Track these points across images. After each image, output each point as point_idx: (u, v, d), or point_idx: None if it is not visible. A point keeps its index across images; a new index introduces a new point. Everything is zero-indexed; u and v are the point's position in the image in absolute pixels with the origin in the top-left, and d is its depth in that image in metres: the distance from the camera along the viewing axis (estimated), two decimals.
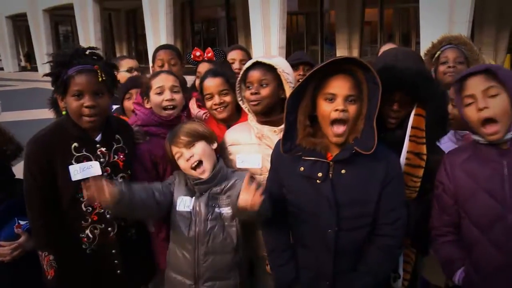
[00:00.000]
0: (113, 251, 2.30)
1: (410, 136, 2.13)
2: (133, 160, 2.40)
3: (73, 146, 2.18)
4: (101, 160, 2.23)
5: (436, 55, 3.11)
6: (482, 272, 1.94)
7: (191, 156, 2.23)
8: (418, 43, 12.53)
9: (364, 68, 1.89)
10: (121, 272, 2.33)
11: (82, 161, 2.18)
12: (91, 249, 2.25)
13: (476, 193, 1.91)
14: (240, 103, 2.52)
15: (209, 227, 2.26)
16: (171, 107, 2.52)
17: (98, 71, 2.13)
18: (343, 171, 1.95)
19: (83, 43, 21.39)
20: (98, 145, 2.24)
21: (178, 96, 2.55)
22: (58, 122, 2.26)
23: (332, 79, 1.89)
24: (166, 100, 2.51)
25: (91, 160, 2.20)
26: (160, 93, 2.53)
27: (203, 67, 3.31)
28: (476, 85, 1.86)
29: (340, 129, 1.90)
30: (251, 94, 2.36)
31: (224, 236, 2.29)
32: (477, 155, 1.95)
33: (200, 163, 2.24)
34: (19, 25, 30.91)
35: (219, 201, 2.29)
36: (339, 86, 1.88)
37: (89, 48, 2.25)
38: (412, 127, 2.13)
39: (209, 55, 3.43)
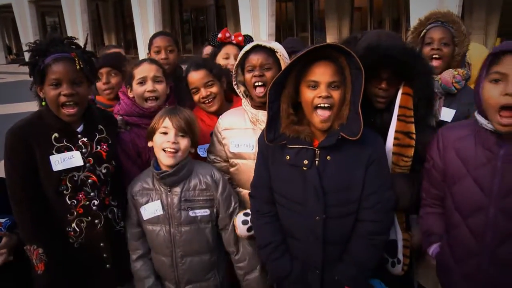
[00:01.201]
0: (101, 244, 2.26)
1: (398, 115, 2.12)
2: (118, 151, 2.37)
3: (53, 136, 2.13)
4: (83, 150, 2.19)
5: (422, 34, 2.79)
6: (456, 254, 1.94)
7: (175, 142, 2.19)
8: (408, 29, 12.49)
9: (346, 54, 1.87)
10: (110, 266, 2.29)
11: (63, 151, 2.13)
12: (79, 243, 2.21)
13: (464, 178, 1.86)
14: (235, 87, 2.48)
15: (183, 230, 2.26)
16: (153, 98, 2.49)
17: (76, 59, 2.08)
18: (328, 157, 1.94)
19: (70, 34, 21.09)
20: (79, 136, 2.20)
21: (160, 87, 2.51)
22: (38, 112, 2.21)
23: (314, 66, 1.88)
24: (148, 91, 2.48)
25: (72, 150, 2.16)
26: (142, 83, 2.49)
27: (231, 50, 3.20)
28: None
29: (325, 113, 1.88)
30: (255, 76, 2.32)
31: (199, 237, 2.29)
32: (475, 136, 1.84)
33: (176, 152, 2.21)
34: (5, 16, 30.44)
35: (194, 203, 2.28)
36: (322, 73, 1.86)
37: (67, 37, 2.20)
38: (400, 107, 2.12)
39: (240, 38, 3.30)
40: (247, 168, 2.40)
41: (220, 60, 3.16)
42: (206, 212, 2.30)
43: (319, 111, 1.88)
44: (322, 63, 1.87)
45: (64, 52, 2.10)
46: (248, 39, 3.36)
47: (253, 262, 2.42)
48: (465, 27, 2.74)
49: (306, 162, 1.94)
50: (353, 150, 1.93)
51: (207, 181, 2.30)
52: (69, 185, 2.15)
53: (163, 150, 2.21)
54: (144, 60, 2.63)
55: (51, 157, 2.10)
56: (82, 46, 2.22)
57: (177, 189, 2.27)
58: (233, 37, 3.27)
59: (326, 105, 1.86)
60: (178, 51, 3.47)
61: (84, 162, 2.17)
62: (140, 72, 2.51)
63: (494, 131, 1.75)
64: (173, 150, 2.19)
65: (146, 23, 17.51)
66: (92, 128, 2.26)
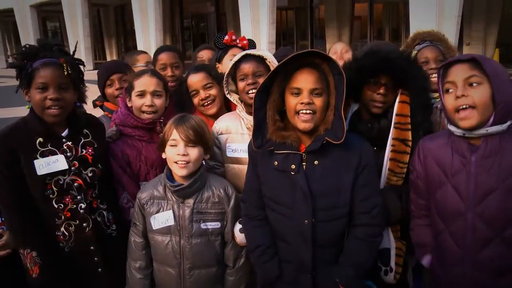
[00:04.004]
0: (91, 248, 2.25)
1: (395, 123, 2.16)
2: (105, 155, 2.38)
3: (37, 141, 2.14)
4: (68, 154, 2.19)
5: (413, 55, 2.80)
6: (442, 261, 1.98)
7: (185, 154, 2.17)
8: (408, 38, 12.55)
9: (328, 60, 1.94)
10: (102, 270, 2.28)
11: (47, 156, 2.14)
12: (69, 247, 2.21)
13: (444, 185, 1.93)
14: (228, 96, 2.51)
15: (194, 242, 2.23)
16: (151, 112, 2.49)
17: (64, 64, 2.10)
18: (316, 162, 1.98)
19: (71, 39, 21.21)
20: (64, 140, 2.20)
21: (159, 101, 2.51)
22: (24, 118, 2.23)
23: (297, 74, 1.94)
24: (146, 105, 2.47)
25: (56, 154, 2.17)
26: (141, 96, 2.48)
27: (238, 52, 3.05)
28: (458, 73, 1.83)
29: (307, 116, 1.93)
30: (248, 85, 2.36)
31: (209, 250, 2.27)
32: (451, 145, 1.93)
33: (187, 163, 2.19)
34: (6, 21, 30.55)
35: (205, 216, 2.26)
36: (304, 80, 1.93)
37: (57, 43, 2.22)
38: (396, 115, 2.16)
39: (244, 42, 3.30)
40: (244, 173, 2.38)
41: (227, 61, 3.14)
42: (217, 225, 2.27)
43: (301, 114, 1.94)
44: (305, 70, 1.94)
45: (53, 58, 2.12)
46: (251, 43, 3.37)
47: (241, 280, 2.38)
48: (451, 42, 2.94)
49: (293, 166, 1.98)
50: (340, 154, 1.98)
51: (220, 194, 2.28)
52: (54, 189, 2.15)
53: (175, 162, 2.19)
54: (145, 72, 2.60)
55: (35, 161, 2.11)
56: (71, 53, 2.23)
57: (190, 201, 2.24)
58: (238, 41, 3.29)
59: (307, 111, 1.92)
60: (183, 65, 3.43)
61: (69, 165, 2.18)
62: (140, 85, 2.49)
63: (464, 137, 1.87)
64: (184, 163, 2.18)
65: (147, 29, 17.59)
66: (77, 132, 2.27)
